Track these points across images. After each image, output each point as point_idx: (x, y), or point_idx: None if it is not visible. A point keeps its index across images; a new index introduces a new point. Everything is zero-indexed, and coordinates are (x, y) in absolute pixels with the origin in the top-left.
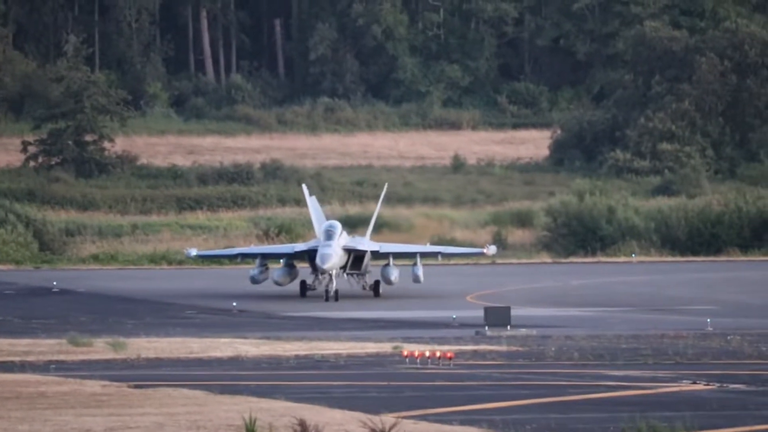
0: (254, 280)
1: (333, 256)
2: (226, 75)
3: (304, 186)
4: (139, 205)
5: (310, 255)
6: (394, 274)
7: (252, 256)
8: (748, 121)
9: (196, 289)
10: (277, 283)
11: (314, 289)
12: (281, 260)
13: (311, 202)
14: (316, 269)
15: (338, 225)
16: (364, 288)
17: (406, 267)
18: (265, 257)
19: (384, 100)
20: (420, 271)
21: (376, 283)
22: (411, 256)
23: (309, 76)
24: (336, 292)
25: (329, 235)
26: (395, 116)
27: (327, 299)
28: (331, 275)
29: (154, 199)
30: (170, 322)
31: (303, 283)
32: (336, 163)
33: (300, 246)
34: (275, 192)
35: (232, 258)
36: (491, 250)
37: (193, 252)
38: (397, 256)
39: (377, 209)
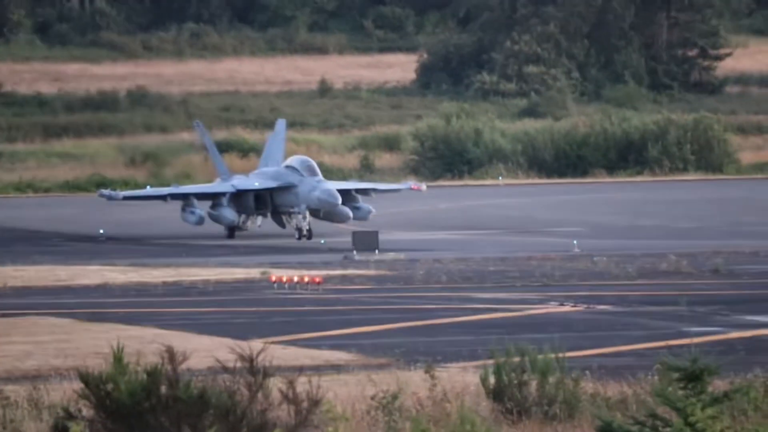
0: (198, 221)
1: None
2: (90, 1)
3: (198, 123)
4: (4, 134)
5: (256, 195)
6: (346, 210)
7: (183, 196)
8: (613, 43)
9: (63, 217)
10: (232, 224)
11: (246, 229)
12: (223, 200)
13: (208, 139)
14: (258, 210)
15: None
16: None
17: None
18: (198, 197)
19: (250, 25)
20: (371, 207)
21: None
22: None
23: (174, 2)
24: (309, 230)
25: (314, 170)
26: (261, 41)
27: (300, 238)
28: (304, 214)
29: (19, 127)
30: (37, 251)
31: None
32: (202, 89)
33: (241, 184)
34: (141, 119)
35: (160, 198)
36: (423, 186)
37: (120, 194)
38: None
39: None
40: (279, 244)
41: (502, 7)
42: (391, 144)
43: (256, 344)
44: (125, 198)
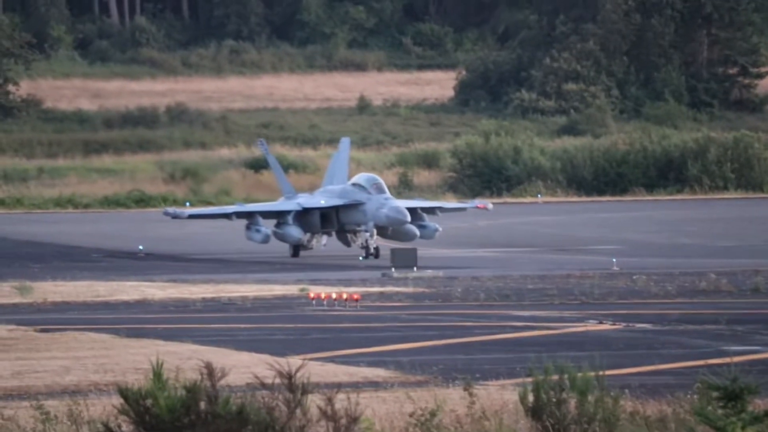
0: (264, 239)
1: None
2: (130, 17)
3: (261, 141)
4: (45, 149)
5: (322, 213)
6: (413, 228)
7: (248, 214)
8: (653, 61)
9: (103, 233)
10: (297, 242)
11: (311, 248)
12: (287, 218)
13: (271, 158)
14: (323, 228)
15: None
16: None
17: None
18: (264, 216)
19: (289, 42)
20: (437, 225)
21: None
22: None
23: (213, 19)
24: (377, 248)
25: (382, 188)
26: (300, 58)
27: (367, 256)
28: (372, 232)
29: (60, 143)
30: (76, 266)
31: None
32: (241, 105)
33: (306, 202)
34: (180, 135)
35: (224, 217)
36: (489, 205)
37: (185, 212)
38: None
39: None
40: (322, 263)
41: (540, 24)
42: (429, 161)
43: (295, 361)
44: (190, 216)
